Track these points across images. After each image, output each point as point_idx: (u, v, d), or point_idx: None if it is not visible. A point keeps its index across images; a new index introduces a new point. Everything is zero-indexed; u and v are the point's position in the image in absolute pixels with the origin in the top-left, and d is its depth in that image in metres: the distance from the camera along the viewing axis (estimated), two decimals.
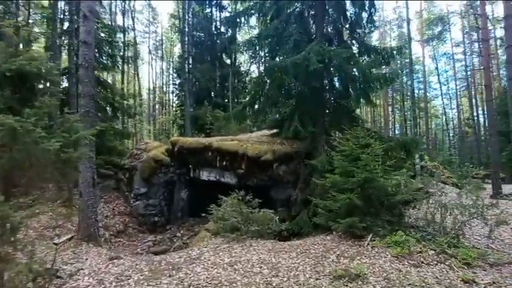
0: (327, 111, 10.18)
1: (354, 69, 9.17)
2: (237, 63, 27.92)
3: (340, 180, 6.41)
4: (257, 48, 10.62)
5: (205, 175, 11.40)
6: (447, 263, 4.79)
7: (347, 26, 10.70)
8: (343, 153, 6.80)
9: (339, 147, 7.35)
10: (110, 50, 13.17)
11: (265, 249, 5.60)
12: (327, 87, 9.91)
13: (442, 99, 39.44)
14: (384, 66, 10.81)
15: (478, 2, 31.37)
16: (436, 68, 39.49)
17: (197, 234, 10.69)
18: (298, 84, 8.80)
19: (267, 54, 11.38)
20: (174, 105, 33.16)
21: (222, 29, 26.43)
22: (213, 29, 26.00)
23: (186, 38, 22.04)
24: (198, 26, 24.44)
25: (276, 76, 8.31)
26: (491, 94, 14.75)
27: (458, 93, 40.46)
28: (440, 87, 39.89)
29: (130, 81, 30.24)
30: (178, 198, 12.01)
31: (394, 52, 9.78)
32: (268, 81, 10.08)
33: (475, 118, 35.61)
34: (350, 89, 9.72)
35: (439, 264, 4.78)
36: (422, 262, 4.82)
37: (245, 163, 9.94)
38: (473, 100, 35.98)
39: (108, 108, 13.05)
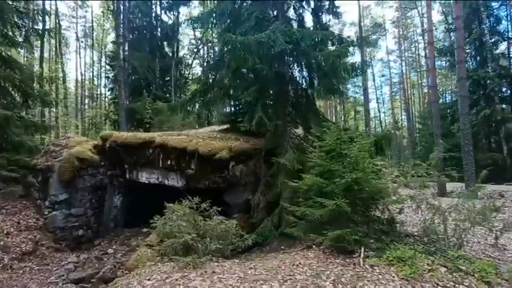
0: (290, 102, 9.04)
1: (320, 56, 8.15)
2: (179, 56, 25.68)
3: (322, 182, 5.20)
4: (210, 25, 8.96)
5: (144, 177, 9.46)
6: (466, 284, 3.84)
7: (310, 10, 9.69)
8: (323, 149, 5.62)
9: (316, 143, 6.19)
10: (19, 21, 10.37)
11: (235, 277, 4.11)
12: (291, 75, 8.74)
13: (377, 103, 41.72)
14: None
15: (412, 12, 33.69)
16: (372, 73, 41.65)
17: (135, 249, 8.76)
18: (263, 68, 7.45)
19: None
20: (107, 99, 29.52)
21: (164, 17, 24.10)
22: (153, 15, 23.48)
23: (122, 21, 19.29)
24: (136, 9, 21.74)
25: (237, 56, 6.85)
26: (436, 95, 15.13)
27: (389, 98, 43.36)
28: (376, 91, 42.21)
29: (54, 70, 25.97)
30: (110, 205, 9.85)
31: (361, 42, 9.04)
32: (224, 65, 8.57)
33: (404, 120, 38.27)
34: (315, 79, 8.66)
35: (457, 285, 3.80)
36: (438, 285, 3.80)
37: (196, 162, 8.29)
38: (403, 104, 38.66)
39: (15, 94, 10.23)
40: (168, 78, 23.60)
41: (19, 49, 10.94)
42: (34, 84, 10.86)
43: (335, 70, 8.32)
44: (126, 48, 19.87)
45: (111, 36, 33.85)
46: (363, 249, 4.74)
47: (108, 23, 34.69)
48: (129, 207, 10.35)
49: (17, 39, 10.85)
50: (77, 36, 34.94)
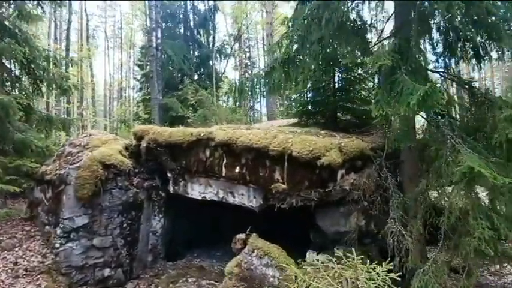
0: None
1: None
2: (216, 46, 22.72)
3: None
4: None
5: (197, 191, 6.49)
6: None
7: None
8: None
9: None
10: None
11: None
12: None
13: None
14: None
15: None
16: None
17: None
18: None
19: None
20: (136, 101, 27.32)
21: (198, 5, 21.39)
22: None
23: (154, 3, 16.67)
24: None
25: None
26: None
27: None
28: None
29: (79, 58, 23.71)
30: (148, 230, 6.93)
31: None
32: (320, 21, 5.40)
33: None
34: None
35: None
36: None
37: (286, 170, 5.16)
38: None
39: (23, 76, 7.58)
40: (202, 71, 20.84)
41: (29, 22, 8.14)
42: (50, 67, 8.16)
43: None
44: (159, 35, 17.20)
45: (140, 34, 31.94)
46: None
47: (137, 21, 32.83)
48: (174, 232, 7.44)
49: (27, 10, 8.19)
50: (105, 35, 33.09)
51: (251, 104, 21.58)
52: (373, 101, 6.07)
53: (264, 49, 31.84)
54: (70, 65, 9.53)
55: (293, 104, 11.20)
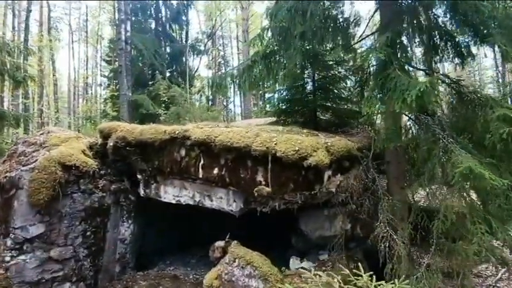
0: None
1: None
2: (190, 42, 21.89)
3: None
4: None
5: (171, 194, 5.94)
6: None
7: None
8: None
9: None
10: None
11: None
12: None
13: None
14: None
15: None
16: None
17: None
18: None
19: None
20: (103, 98, 25.78)
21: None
22: None
23: None
24: None
25: None
26: None
27: None
28: None
29: (38, 50, 21.99)
30: (115, 238, 6.26)
31: None
32: (305, 12, 5.08)
33: None
34: None
35: None
36: None
37: (270, 171, 4.75)
38: None
39: None
40: (174, 68, 20.00)
41: None
42: (2, 55, 7.26)
43: None
44: (128, 28, 16.23)
45: (108, 28, 30.35)
46: None
47: (105, 14, 31.22)
48: (145, 239, 6.83)
49: None
50: (70, 27, 31.10)
51: (225, 104, 21.01)
52: (355, 99, 5.84)
53: (238, 47, 31.42)
54: (26, 54, 8.55)
55: (269, 103, 10.87)
